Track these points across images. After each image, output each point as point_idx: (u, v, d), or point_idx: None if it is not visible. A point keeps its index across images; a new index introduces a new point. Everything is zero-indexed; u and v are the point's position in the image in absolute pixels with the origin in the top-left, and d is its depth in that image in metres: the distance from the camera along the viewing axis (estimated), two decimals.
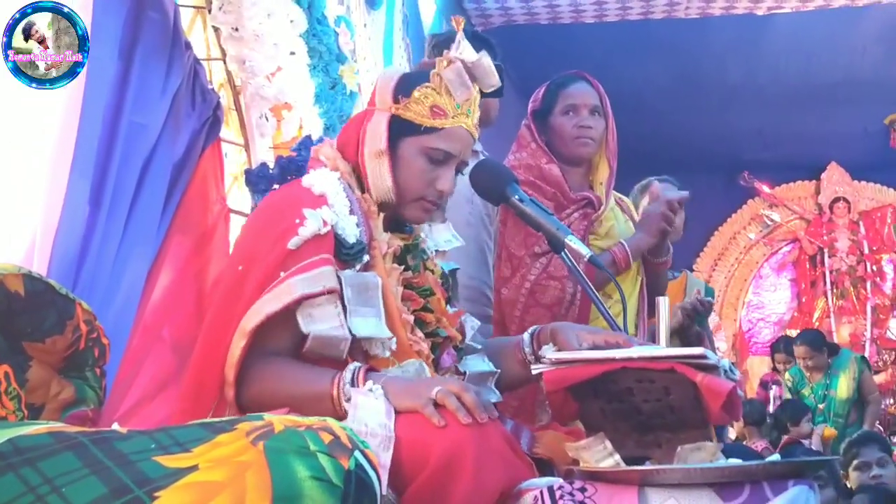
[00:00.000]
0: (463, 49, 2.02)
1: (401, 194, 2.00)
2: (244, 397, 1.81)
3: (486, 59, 2.02)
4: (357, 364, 1.79)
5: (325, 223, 1.87)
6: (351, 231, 1.91)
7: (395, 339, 1.89)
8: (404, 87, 2.01)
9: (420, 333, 1.97)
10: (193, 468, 1.35)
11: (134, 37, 2.58)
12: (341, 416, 1.69)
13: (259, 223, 1.99)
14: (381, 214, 2.01)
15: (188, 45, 2.86)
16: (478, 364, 2.09)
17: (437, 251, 2.18)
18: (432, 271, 2.11)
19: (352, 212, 1.94)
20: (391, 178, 1.98)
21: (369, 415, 1.66)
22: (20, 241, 2.21)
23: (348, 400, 1.72)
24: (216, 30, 3.20)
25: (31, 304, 1.85)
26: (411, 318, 1.96)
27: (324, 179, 1.97)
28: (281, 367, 1.83)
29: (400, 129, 1.99)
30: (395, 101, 2.00)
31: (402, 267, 2.00)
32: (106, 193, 2.42)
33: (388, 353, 1.88)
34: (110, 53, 2.45)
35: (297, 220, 1.87)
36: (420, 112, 1.98)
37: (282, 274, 1.82)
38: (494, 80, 2.06)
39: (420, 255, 2.09)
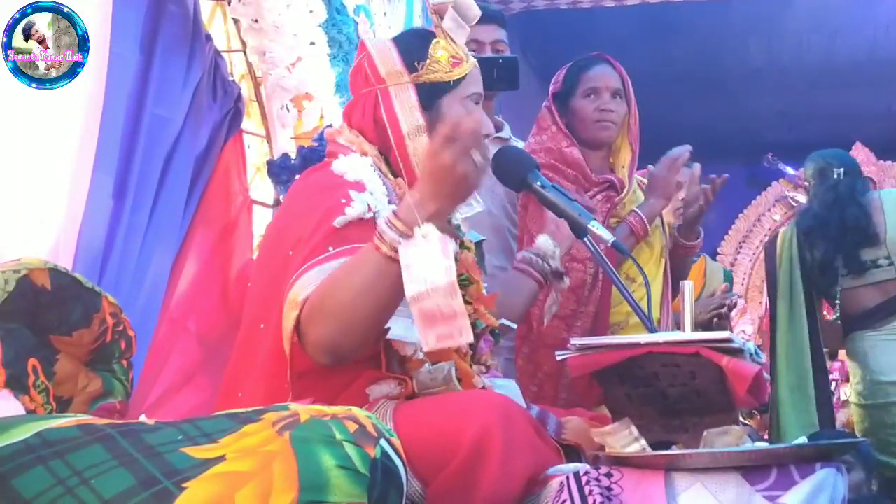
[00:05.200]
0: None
1: None
2: (310, 337, 1.67)
3: None
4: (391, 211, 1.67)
5: (369, 208, 1.78)
6: None
7: None
8: (415, 52, 1.94)
9: None
10: (221, 458, 1.36)
11: (154, 30, 2.60)
12: (396, 266, 1.59)
13: (301, 207, 1.87)
14: None
15: (209, 38, 2.88)
16: None
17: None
18: (469, 249, 2.05)
19: (390, 200, 1.84)
20: None
21: (427, 268, 1.55)
22: (45, 236, 2.23)
23: (394, 249, 1.60)
24: (236, 22, 3.20)
25: (57, 298, 1.87)
26: None
27: (357, 165, 1.87)
28: (326, 279, 1.69)
29: (431, 93, 1.92)
30: (412, 69, 1.93)
31: None
32: (129, 187, 2.44)
33: (420, 355, 1.82)
34: (131, 47, 2.46)
35: (344, 200, 1.78)
36: (444, 68, 1.92)
37: (330, 249, 1.72)
38: (475, 11, 2.03)
39: (458, 234, 2.03)
